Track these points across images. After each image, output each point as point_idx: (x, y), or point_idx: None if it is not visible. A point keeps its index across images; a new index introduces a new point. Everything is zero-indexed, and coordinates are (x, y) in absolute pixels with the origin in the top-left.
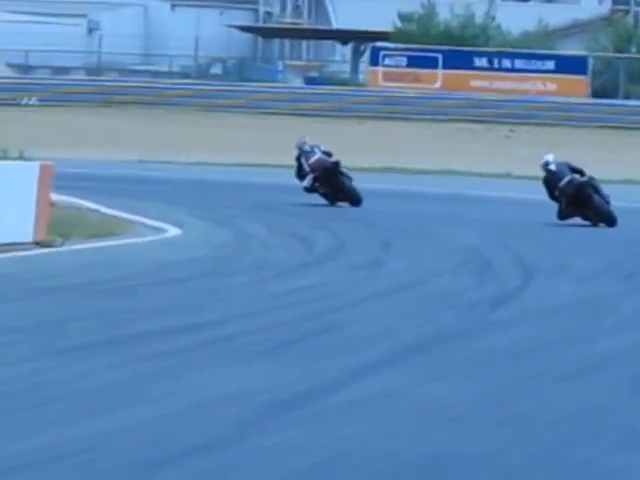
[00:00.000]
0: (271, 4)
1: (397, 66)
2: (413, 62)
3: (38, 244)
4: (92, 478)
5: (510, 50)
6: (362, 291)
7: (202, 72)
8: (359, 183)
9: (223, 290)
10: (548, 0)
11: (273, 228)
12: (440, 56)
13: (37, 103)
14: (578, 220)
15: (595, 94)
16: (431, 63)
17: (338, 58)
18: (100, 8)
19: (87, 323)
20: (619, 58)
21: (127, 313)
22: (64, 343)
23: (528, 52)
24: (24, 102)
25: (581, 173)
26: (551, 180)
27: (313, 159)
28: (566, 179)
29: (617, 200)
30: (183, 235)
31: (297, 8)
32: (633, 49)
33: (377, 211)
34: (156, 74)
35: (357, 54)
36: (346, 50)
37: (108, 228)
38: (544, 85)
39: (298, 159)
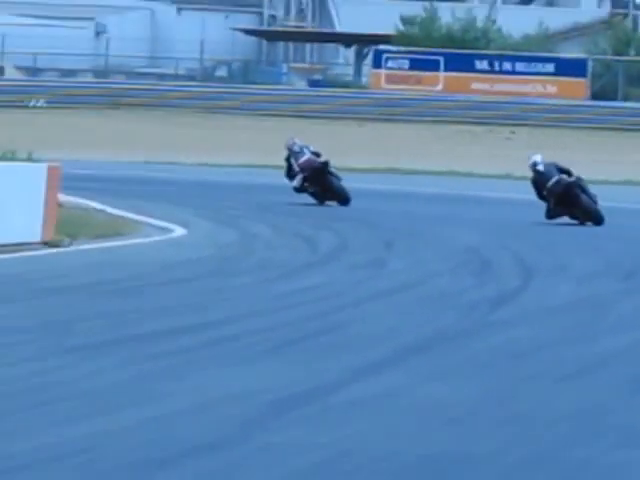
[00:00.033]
0: (275, 8)
1: (399, 69)
2: (415, 65)
3: (46, 244)
4: (92, 478)
5: (511, 53)
6: (364, 291)
7: (207, 75)
8: (361, 184)
9: (228, 290)
10: (548, 4)
11: (277, 228)
12: (442, 59)
13: (45, 105)
14: (578, 220)
15: (594, 96)
16: (433, 66)
17: (341, 61)
18: (107, 11)
19: (93, 323)
20: (618, 61)
21: (133, 313)
22: (71, 343)
23: (529, 55)
24: (32, 104)
25: (568, 173)
26: (539, 180)
27: (302, 159)
28: (554, 179)
29: (616, 201)
30: (188, 235)
31: (301, 12)
32: (632, 52)
33: (379, 211)
34: (162, 77)
35: (360, 57)
36: (349, 53)
37: (115, 228)
38: (544, 87)
39: (288, 159)
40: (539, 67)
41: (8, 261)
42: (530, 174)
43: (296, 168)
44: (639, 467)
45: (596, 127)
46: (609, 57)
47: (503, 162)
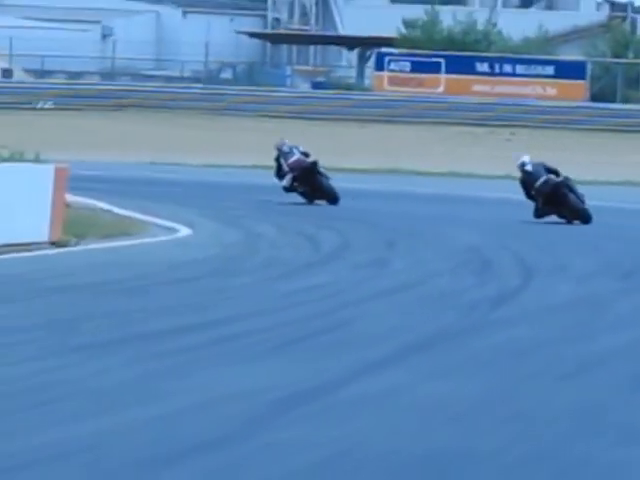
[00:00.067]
0: (279, 11)
1: (401, 71)
2: (417, 67)
3: (54, 244)
4: (98, 476)
5: (511, 56)
6: (367, 290)
7: (212, 77)
8: (363, 185)
9: (233, 289)
10: (548, 7)
11: (281, 227)
12: (443, 61)
13: (52, 106)
14: (565, 219)
15: (594, 98)
16: (434, 68)
17: (344, 63)
18: (114, 15)
19: (99, 322)
20: (617, 63)
21: (139, 312)
22: (76, 342)
23: (528, 57)
24: (39, 105)
25: (556, 173)
26: (527, 180)
27: (292, 159)
28: (542, 179)
29: (615, 201)
30: (194, 235)
31: (305, 15)
32: (630, 54)
33: (381, 212)
34: (168, 79)
35: (363, 59)
36: (352, 56)
37: (121, 228)
38: (544, 90)
39: (277, 160)
40: (539, 69)
41: (16, 261)
42: (518, 174)
43: (286, 168)
44: (639, 465)
45: (595, 129)
46: (608, 59)
47: (503, 163)
